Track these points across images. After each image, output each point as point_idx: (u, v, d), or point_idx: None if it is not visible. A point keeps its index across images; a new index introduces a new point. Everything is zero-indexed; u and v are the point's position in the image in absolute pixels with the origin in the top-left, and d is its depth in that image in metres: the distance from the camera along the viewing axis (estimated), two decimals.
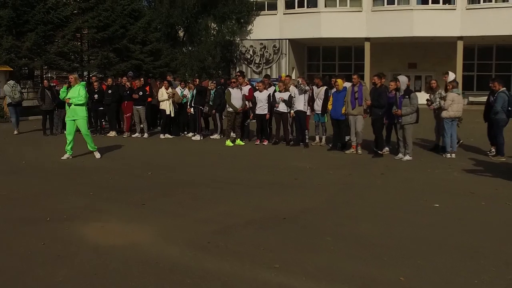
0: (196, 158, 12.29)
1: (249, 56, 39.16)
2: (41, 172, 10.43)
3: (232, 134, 14.59)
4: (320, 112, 13.83)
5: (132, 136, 16.37)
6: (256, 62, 39.07)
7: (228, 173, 10.32)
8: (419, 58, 38.00)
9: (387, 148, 12.66)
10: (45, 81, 18.42)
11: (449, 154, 12.04)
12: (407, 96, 11.45)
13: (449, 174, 10.12)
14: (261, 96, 14.42)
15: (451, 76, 12.90)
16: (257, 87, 14.77)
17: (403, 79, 11.81)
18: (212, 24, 37.41)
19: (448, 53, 35.46)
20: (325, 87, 13.69)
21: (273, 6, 38.34)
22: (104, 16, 27.84)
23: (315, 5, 36.83)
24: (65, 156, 11.96)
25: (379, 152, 12.19)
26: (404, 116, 11.41)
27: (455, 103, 12.03)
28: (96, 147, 12.29)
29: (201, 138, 15.68)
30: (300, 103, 13.69)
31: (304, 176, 9.88)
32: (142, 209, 7.38)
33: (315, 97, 13.84)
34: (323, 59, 42.02)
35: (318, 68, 41.23)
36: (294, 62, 39.22)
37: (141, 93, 16.16)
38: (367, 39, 36.00)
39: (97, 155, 12.17)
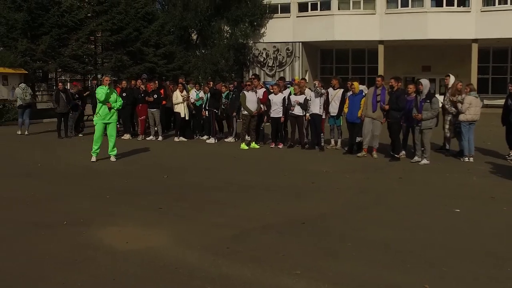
0: (211, 161, 12.22)
1: (262, 59, 39.09)
2: (56, 175, 10.40)
3: (247, 137, 14.49)
4: (335, 115, 13.71)
5: (147, 139, 16.34)
6: (269, 65, 38.99)
7: (243, 176, 10.24)
8: (433, 61, 37.68)
9: (403, 152, 12.51)
10: (60, 84, 18.48)
11: (467, 158, 11.88)
12: (428, 100, 11.29)
13: (468, 179, 9.97)
14: (276, 99, 14.32)
15: (452, 79, 12.80)
16: (271, 90, 14.68)
17: (425, 83, 11.58)
18: (225, 27, 37.40)
19: (463, 56, 35.15)
20: (342, 90, 13.57)
21: (286, 9, 38.26)
22: (118, 19, 27.89)
23: (329, 8, 36.72)
24: (94, 159, 11.95)
25: (396, 155, 12.05)
26: (424, 121, 11.26)
27: (472, 107, 11.88)
28: (115, 151, 12.24)
29: (216, 141, 15.62)
30: (316, 106, 13.55)
31: (321, 180, 9.78)
32: (159, 213, 7.32)
33: (330, 100, 13.73)
34: (336, 62, 41.84)
35: (331, 71, 41.02)
36: (307, 65, 39.09)
37: (155, 95, 16.09)
38: (381, 41, 35.81)
39: (113, 159, 12.12)
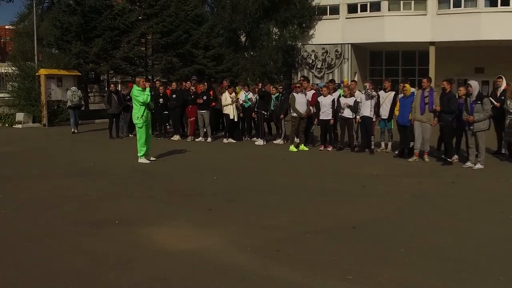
0: (260, 163, 12.22)
1: (310, 61, 38.94)
2: (107, 174, 10.59)
3: (296, 139, 14.41)
4: (386, 118, 13.49)
5: (196, 140, 16.47)
6: (318, 67, 38.81)
7: (293, 179, 10.16)
8: (487, 63, 36.65)
9: (456, 156, 12.19)
10: (112, 85, 18.86)
11: None
12: (479, 102, 10.94)
13: None
14: (325, 101, 14.21)
15: (504, 81, 12.55)
16: (321, 92, 14.57)
17: (474, 84, 11.27)
18: (274, 28, 37.44)
19: None
20: (393, 92, 13.35)
21: (335, 10, 38.02)
22: (168, 21, 28.30)
23: (378, 9, 36.31)
24: (144, 160, 12.07)
25: (449, 159, 11.75)
26: (477, 123, 10.94)
27: None
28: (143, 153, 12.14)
29: (264, 143, 15.61)
30: (367, 109, 13.37)
31: (372, 184, 9.61)
32: (209, 214, 7.34)
33: (381, 102, 13.53)
34: (386, 64, 41.31)
35: (381, 73, 40.53)
36: (357, 67, 38.72)
37: (205, 97, 16.19)
38: (432, 43, 35.15)
39: (144, 160, 12.09)
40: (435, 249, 5.73)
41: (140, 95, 11.82)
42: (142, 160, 12.01)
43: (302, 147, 14.28)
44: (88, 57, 25.48)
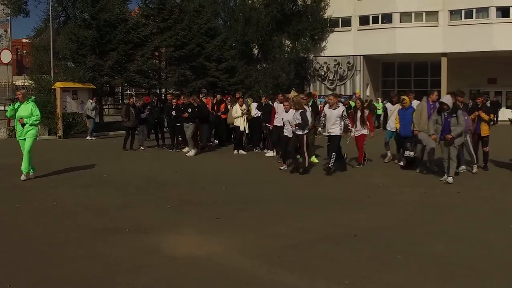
0: (269, 173, 12.44)
1: (323, 73, 39.24)
2: (121, 185, 10.88)
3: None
4: (395, 130, 13.49)
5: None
6: (330, 78, 39.07)
7: (300, 189, 10.40)
8: (500, 73, 36.74)
9: (463, 167, 12.33)
10: (131, 98, 19.19)
11: None
12: (454, 115, 10.60)
13: None
14: (287, 117, 12.69)
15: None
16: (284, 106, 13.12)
17: (447, 99, 10.85)
18: (286, 41, 37.82)
19: None
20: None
21: (347, 23, 38.34)
22: (182, 35, 28.71)
23: (390, 21, 36.58)
24: (23, 177, 11.20)
25: (456, 170, 11.86)
26: (457, 139, 10.69)
27: None
28: (28, 170, 11.30)
29: (275, 154, 15.82)
30: (333, 126, 12.20)
31: (377, 193, 9.81)
32: (217, 222, 7.59)
33: (389, 115, 13.66)
34: (398, 75, 41.47)
35: (393, 85, 40.69)
36: (369, 79, 38.94)
37: (190, 110, 15.93)
38: (444, 54, 35.30)
39: (23, 177, 11.22)
40: (434, 256, 5.93)
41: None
42: (22, 176, 11.25)
43: (313, 158, 14.36)
44: (103, 70, 25.93)
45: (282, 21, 37.35)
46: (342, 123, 12.09)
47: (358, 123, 13.21)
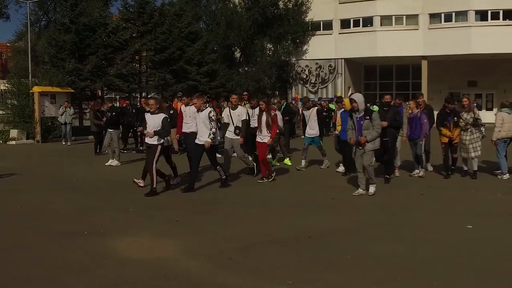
0: (233, 177, 12.37)
1: (304, 76, 39.43)
2: (89, 188, 10.90)
3: (279, 154, 14.65)
4: (312, 135, 13.17)
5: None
6: (311, 81, 39.27)
7: (266, 192, 10.46)
8: (479, 76, 37.14)
9: (417, 170, 12.24)
10: (94, 102, 19.17)
11: (505, 175, 11.61)
12: (367, 117, 9.55)
13: (492, 195, 9.91)
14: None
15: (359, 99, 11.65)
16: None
17: (359, 98, 9.82)
18: (268, 44, 37.99)
19: (510, 70, 34.56)
20: (316, 108, 13.43)
21: (328, 26, 38.57)
22: (162, 39, 28.75)
23: (371, 24, 36.81)
24: None
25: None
26: (369, 144, 9.58)
27: (505, 123, 11.73)
28: None
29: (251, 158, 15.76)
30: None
31: (342, 196, 9.89)
32: (175, 225, 7.65)
33: (306, 120, 13.29)
34: (380, 78, 41.77)
35: (375, 87, 41.00)
36: (350, 81, 39.16)
37: (114, 113, 15.22)
38: (424, 57, 35.60)
39: None
40: (382, 257, 6.02)
41: None
42: None
43: (286, 161, 14.44)
44: (82, 74, 25.90)
45: (264, 25, 37.55)
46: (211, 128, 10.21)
47: (263, 128, 11.51)
